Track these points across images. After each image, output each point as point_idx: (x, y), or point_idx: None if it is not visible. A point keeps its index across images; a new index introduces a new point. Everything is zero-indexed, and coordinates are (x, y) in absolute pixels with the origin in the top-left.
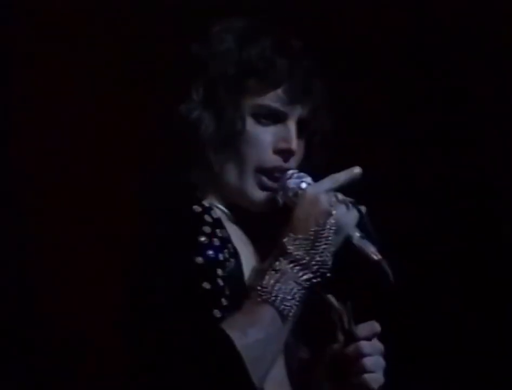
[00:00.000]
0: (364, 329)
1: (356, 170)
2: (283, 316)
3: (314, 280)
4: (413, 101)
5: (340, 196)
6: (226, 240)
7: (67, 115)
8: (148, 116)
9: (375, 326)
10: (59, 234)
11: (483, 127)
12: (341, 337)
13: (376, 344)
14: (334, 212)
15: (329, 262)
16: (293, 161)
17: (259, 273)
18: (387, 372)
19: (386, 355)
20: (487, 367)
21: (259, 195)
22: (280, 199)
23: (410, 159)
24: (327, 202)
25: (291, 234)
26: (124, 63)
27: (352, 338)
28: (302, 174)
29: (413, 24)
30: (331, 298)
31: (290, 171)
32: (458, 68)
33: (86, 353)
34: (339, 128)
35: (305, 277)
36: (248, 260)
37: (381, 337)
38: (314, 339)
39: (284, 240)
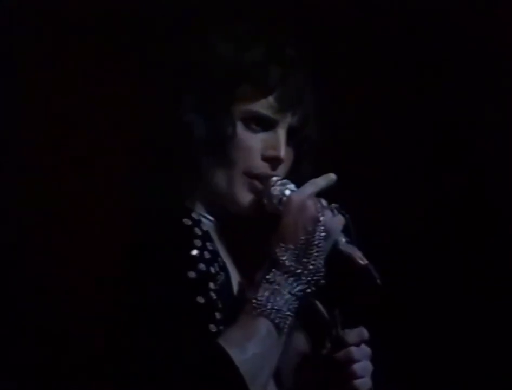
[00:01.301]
0: (353, 335)
1: (332, 176)
2: (278, 328)
3: (309, 290)
4: (406, 102)
5: (324, 202)
6: (215, 253)
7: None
8: (140, 118)
9: (363, 332)
10: (50, 254)
11: (478, 130)
12: (328, 343)
13: (365, 349)
14: (322, 218)
15: (322, 270)
16: (281, 169)
17: (253, 285)
18: (375, 375)
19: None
20: (477, 372)
21: (248, 197)
22: (265, 207)
23: (401, 163)
24: (314, 208)
25: (282, 244)
26: (115, 65)
27: (340, 344)
28: (285, 180)
29: (412, 31)
30: (318, 304)
31: (274, 179)
32: (456, 73)
33: (76, 371)
34: (328, 136)
35: (299, 287)
36: (234, 271)
37: (368, 341)
38: (302, 345)
39: (276, 250)
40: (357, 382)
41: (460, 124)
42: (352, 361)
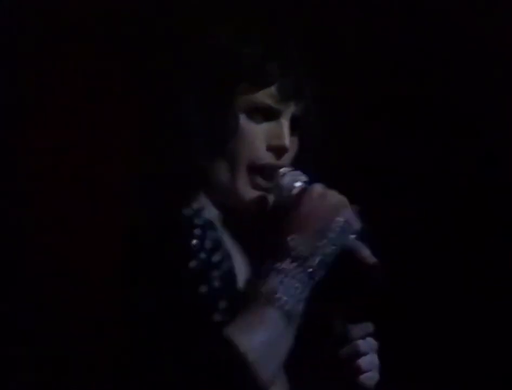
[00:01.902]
0: (357, 329)
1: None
2: (288, 316)
3: (317, 278)
4: (406, 102)
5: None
6: (218, 242)
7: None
8: (142, 114)
9: (368, 326)
10: (51, 236)
11: (478, 129)
12: (333, 339)
13: (371, 342)
14: (341, 212)
15: (331, 261)
16: (286, 158)
17: (261, 274)
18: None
19: (381, 354)
20: (477, 372)
21: (251, 194)
22: (274, 198)
23: (401, 163)
24: (335, 200)
25: (294, 233)
26: (115, 61)
27: (345, 339)
28: (296, 172)
29: (412, 32)
30: (322, 300)
31: (283, 170)
32: (456, 73)
33: (79, 365)
34: (328, 136)
35: (308, 276)
36: (239, 260)
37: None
38: (308, 341)
39: (288, 239)
40: (364, 376)
41: (460, 124)
42: (358, 354)
